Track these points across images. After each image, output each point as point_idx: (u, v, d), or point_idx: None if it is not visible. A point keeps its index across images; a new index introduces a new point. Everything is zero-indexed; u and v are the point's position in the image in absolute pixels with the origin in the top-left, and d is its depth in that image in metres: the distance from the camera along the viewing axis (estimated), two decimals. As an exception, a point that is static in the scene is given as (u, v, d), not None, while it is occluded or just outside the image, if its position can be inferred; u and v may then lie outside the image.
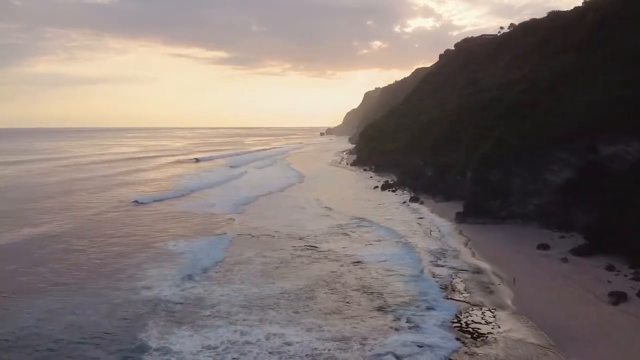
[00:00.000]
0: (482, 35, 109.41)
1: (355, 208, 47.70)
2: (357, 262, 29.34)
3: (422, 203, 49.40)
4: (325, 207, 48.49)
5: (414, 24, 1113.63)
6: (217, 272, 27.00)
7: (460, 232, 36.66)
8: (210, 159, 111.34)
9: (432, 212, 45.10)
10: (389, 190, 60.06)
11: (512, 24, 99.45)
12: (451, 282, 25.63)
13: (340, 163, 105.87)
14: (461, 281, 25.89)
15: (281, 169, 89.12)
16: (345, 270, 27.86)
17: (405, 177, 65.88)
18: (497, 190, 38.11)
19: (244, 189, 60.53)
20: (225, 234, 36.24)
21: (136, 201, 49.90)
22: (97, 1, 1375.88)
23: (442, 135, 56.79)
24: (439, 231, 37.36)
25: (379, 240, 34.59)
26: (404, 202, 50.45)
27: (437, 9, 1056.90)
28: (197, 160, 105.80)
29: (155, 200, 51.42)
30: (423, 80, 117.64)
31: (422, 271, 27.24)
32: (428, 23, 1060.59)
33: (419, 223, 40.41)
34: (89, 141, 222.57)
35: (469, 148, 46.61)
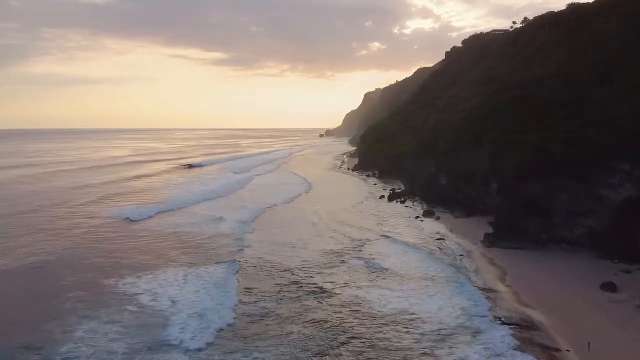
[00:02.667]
0: (493, 30, 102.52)
1: (364, 225, 40.71)
2: (376, 312, 22.08)
3: (438, 218, 42.19)
4: (338, 221, 41.88)
5: (412, 25, 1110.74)
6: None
7: (492, 261, 29.42)
8: (210, 163, 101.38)
9: (451, 230, 37.88)
10: (396, 201, 52.86)
11: (525, 18, 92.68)
12: (502, 346, 18.33)
13: (341, 167, 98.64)
14: (515, 343, 18.61)
15: (285, 176, 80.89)
16: (356, 324, 20.68)
17: (414, 185, 58.70)
18: (536, 207, 30.85)
19: (249, 201, 52.46)
20: (234, 261, 29.13)
21: (128, 218, 41.76)
22: (95, 1, 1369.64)
23: (459, 139, 49.53)
24: (466, 258, 30.12)
25: (393, 276, 27.21)
26: (416, 217, 43.20)
27: (435, 10, 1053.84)
28: (190, 165, 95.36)
29: (156, 213, 44.06)
30: (430, 79, 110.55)
31: (456, 328, 19.97)
32: (427, 24, 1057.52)
33: (438, 247, 33.11)
34: (81, 143, 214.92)
35: (494, 154, 39.41)
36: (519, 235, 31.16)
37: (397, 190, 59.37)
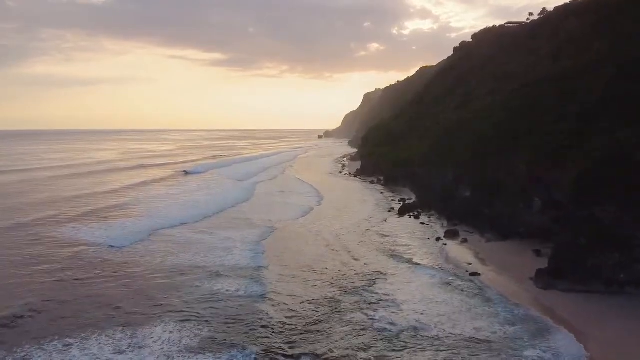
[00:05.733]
0: (506, 23, 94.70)
1: (384, 247, 33.40)
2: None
3: (464, 241, 34.18)
4: (358, 242, 34.84)
5: (411, 25, 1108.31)
6: None
7: (553, 312, 21.35)
8: (209, 169, 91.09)
9: (485, 260, 29.75)
10: (409, 216, 44.85)
11: (544, 9, 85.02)
12: None
13: (342, 172, 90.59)
14: None
15: (292, 183, 71.71)
16: None
17: (427, 195, 50.73)
18: (610, 236, 22.93)
19: (257, 217, 43.32)
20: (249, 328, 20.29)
21: (109, 245, 32.96)
22: (92, 2, 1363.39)
23: (484, 142, 41.63)
24: (516, 306, 22.10)
25: (423, 340, 19.19)
26: (437, 239, 35.20)
27: (434, 11, 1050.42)
28: (188, 172, 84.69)
29: (146, 236, 35.44)
30: (437, 77, 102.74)
31: None
32: (426, 25, 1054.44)
33: (474, 286, 25.08)
34: (73, 145, 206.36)
35: (536, 162, 31.56)
36: (587, 274, 23.18)
37: (407, 202, 51.45)
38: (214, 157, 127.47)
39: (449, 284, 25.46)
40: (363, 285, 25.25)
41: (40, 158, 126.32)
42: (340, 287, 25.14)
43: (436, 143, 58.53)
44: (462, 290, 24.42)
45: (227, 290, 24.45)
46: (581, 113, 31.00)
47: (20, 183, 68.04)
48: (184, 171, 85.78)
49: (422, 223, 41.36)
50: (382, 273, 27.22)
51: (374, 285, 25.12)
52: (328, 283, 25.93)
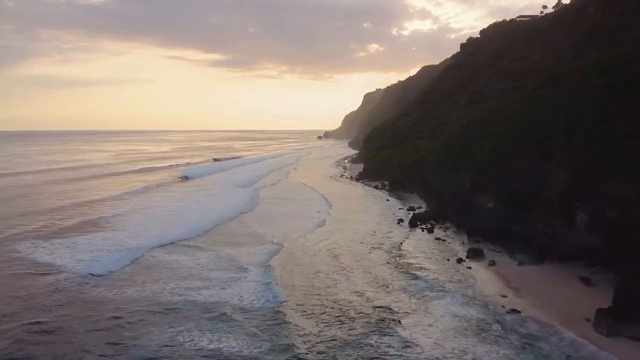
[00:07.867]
0: (518, 17, 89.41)
1: (405, 269, 28.51)
2: None
3: (492, 264, 28.83)
4: (378, 265, 29.04)
5: (411, 26, 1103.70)
6: None
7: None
8: (209, 173, 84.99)
9: (519, 291, 24.40)
10: (420, 228, 39.56)
11: (559, 2, 79.84)
12: None
13: (344, 175, 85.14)
14: None
15: (297, 190, 65.85)
16: None
17: (440, 204, 45.43)
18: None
19: (261, 232, 38.02)
20: None
21: (90, 273, 27.46)
22: (91, 2, 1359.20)
23: (507, 144, 36.33)
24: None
25: None
26: (459, 260, 29.87)
27: (434, 11, 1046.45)
28: (187, 177, 77.76)
29: (135, 258, 30.36)
30: (443, 74, 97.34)
31: None
32: (425, 25, 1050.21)
33: (516, 331, 19.73)
34: (69, 146, 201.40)
35: (583, 168, 26.28)
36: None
37: (417, 211, 46.16)
38: (214, 159, 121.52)
39: (483, 326, 20.18)
40: (380, 329, 20.00)
41: (31, 159, 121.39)
42: (354, 333, 19.85)
43: (448, 144, 53.14)
44: (503, 337, 19.12)
45: (234, 348, 18.66)
46: (635, 112, 25.75)
47: (9, 188, 62.66)
48: (184, 176, 78.77)
49: (438, 238, 36.03)
50: (401, 312, 21.88)
51: (395, 334, 19.64)
52: (348, 327, 20.61)
